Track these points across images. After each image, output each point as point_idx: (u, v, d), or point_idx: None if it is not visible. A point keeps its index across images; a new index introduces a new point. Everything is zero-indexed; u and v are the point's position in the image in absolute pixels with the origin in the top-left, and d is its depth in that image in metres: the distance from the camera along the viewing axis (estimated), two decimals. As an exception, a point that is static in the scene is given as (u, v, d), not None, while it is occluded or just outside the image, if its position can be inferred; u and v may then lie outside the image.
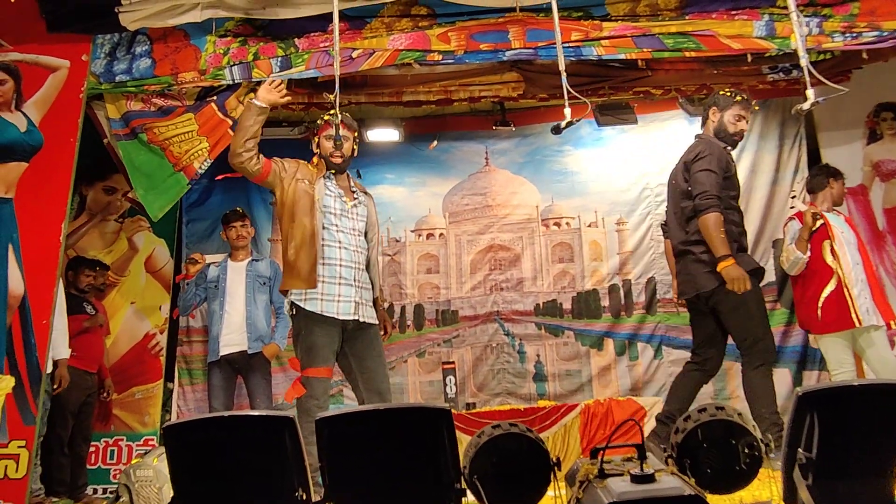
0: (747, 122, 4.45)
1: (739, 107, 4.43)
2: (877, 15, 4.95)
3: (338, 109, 3.98)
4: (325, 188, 4.16)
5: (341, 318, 3.98)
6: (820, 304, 4.74)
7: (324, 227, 4.06)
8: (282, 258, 4.10)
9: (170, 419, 6.18)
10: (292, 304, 4.00)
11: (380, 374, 4.11)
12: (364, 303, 4.10)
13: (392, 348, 6.83)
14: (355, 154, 4.33)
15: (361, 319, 4.05)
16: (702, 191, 4.20)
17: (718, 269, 4.06)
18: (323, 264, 4.01)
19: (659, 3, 5.05)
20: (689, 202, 4.31)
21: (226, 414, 2.59)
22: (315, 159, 4.28)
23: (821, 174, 5.14)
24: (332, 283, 4.01)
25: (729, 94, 4.53)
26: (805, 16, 4.82)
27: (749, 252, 4.60)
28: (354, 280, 4.07)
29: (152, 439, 5.99)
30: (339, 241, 4.09)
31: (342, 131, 4.07)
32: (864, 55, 5.36)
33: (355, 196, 4.28)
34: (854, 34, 4.98)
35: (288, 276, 4.02)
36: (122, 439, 6.05)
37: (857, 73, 5.92)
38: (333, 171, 4.24)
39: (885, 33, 4.98)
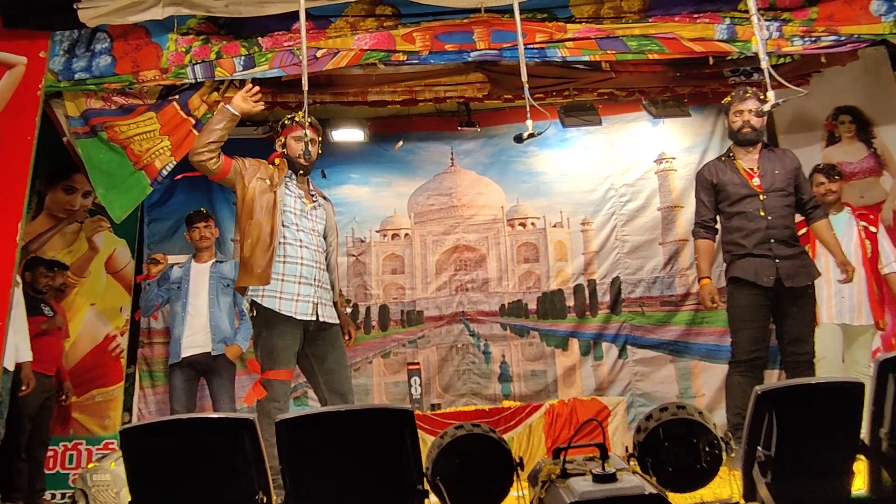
0: (752, 111, 4.45)
1: (735, 102, 4.52)
2: (834, 20, 5.03)
3: (306, 111, 3.97)
4: (286, 188, 4.15)
5: (299, 317, 3.95)
6: None
7: (284, 226, 4.04)
8: (241, 256, 4.06)
9: (130, 421, 6.09)
10: (252, 302, 3.97)
11: (342, 376, 4.10)
12: (324, 303, 4.08)
13: (357, 349, 6.79)
14: (318, 156, 4.33)
15: (321, 319, 4.03)
16: (695, 221, 4.66)
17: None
18: (284, 262, 4.00)
19: (622, 5, 5.08)
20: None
21: (184, 417, 2.56)
22: (277, 159, 4.26)
23: (810, 174, 5.20)
24: (292, 282, 3.99)
25: (726, 98, 4.69)
26: (765, 20, 4.89)
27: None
28: (314, 280, 4.06)
29: (112, 443, 5.87)
30: (300, 241, 4.08)
31: (305, 134, 4.02)
32: (823, 59, 5.45)
33: (314, 199, 4.28)
34: (813, 38, 5.06)
35: (243, 272, 4.00)
36: (81, 443, 5.92)
37: (816, 77, 6.03)
38: (300, 172, 4.24)
39: (843, 38, 5.07)
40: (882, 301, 5.00)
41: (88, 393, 6.02)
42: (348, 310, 4.46)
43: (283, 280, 3.97)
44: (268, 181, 4.08)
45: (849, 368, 4.88)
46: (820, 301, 4.76)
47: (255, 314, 3.97)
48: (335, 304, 4.25)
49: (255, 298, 3.96)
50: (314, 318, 4.00)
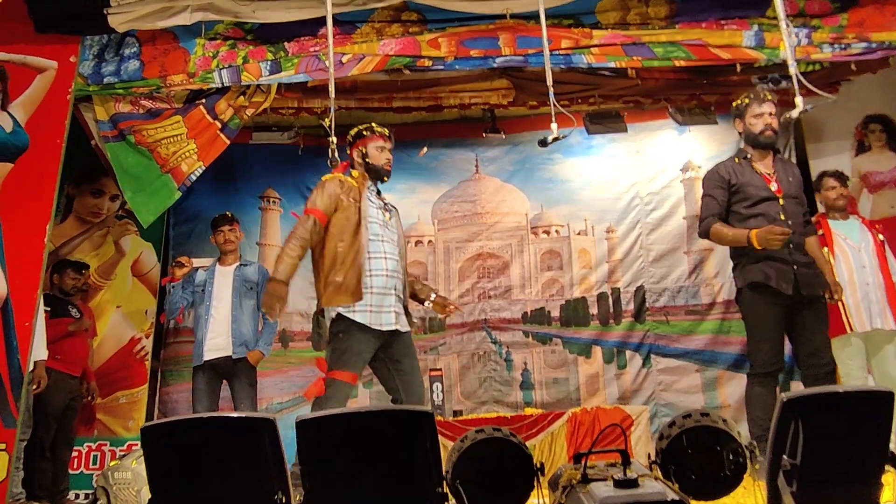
0: (772, 114, 4.36)
1: (755, 105, 4.39)
2: (865, 27, 4.98)
3: (332, 117, 3.98)
4: (369, 200, 4.17)
5: (385, 328, 3.99)
6: None
7: (370, 240, 4.06)
8: (323, 277, 4.02)
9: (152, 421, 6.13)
10: (339, 315, 3.95)
11: (416, 379, 4.14)
12: (400, 312, 4.12)
13: (379, 355, 6.79)
14: None
15: (401, 329, 4.08)
16: (701, 219, 4.44)
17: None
18: (371, 275, 4.00)
19: (649, 12, 5.07)
20: None
21: (204, 415, 2.56)
22: (355, 172, 4.27)
23: (818, 179, 5.13)
24: (381, 294, 4.01)
25: (739, 100, 4.52)
26: (794, 27, 4.85)
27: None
28: (395, 289, 4.09)
29: (136, 444, 5.89)
30: (385, 252, 4.09)
31: (385, 143, 4.25)
32: (853, 67, 5.40)
33: (388, 207, 4.31)
34: (843, 45, 5.02)
35: (334, 293, 3.97)
36: (105, 444, 5.98)
37: (846, 85, 5.95)
38: (382, 181, 4.29)
39: (874, 45, 5.02)
40: None
41: (113, 394, 6.08)
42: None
43: (372, 293, 3.98)
44: (352, 198, 4.09)
45: (880, 381, 4.79)
46: (848, 309, 4.70)
47: (335, 317, 3.96)
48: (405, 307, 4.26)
49: (343, 313, 3.94)
50: (396, 328, 4.04)
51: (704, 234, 4.37)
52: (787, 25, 4.18)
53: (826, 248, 4.78)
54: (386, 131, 4.29)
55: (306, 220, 4.01)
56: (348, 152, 4.36)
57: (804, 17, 5.05)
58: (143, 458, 2.62)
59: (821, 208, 5.14)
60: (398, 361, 4.08)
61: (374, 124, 4.34)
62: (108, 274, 6.31)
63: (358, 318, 3.93)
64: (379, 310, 3.99)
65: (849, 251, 4.85)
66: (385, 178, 4.28)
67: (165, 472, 2.46)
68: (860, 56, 5.13)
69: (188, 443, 2.43)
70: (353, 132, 4.37)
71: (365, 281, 3.96)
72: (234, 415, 2.71)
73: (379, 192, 4.31)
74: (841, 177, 5.08)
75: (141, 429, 2.49)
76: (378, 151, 4.24)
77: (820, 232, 4.83)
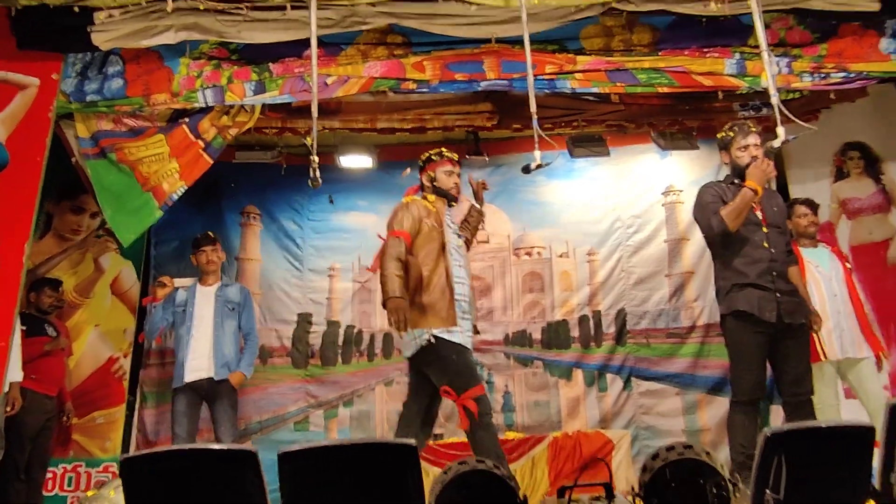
0: (757, 145, 4.36)
1: (739, 137, 4.40)
2: (844, 57, 5.06)
3: (314, 138, 3.96)
4: (448, 225, 4.25)
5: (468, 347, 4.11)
6: None
7: (451, 265, 4.14)
8: (409, 298, 4.02)
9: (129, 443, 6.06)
10: (436, 338, 3.97)
11: None
12: (471, 335, 4.20)
13: (359, 375, 6.78)
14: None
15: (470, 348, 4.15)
16: (706, 227, 4.37)
17: None
18: (456, 300, 4.07)
19: (633, 39, 5.11)
20: None
21: (185, 447, 2.54)
22: (431, 196, 4.37)
23: (789, 206, 5.18)
24: (462, 319, 4.09)
25: (723, 133, 4.53)
26: (775, 55, 4.91)
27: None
28: (469, 313, 4.17)
29: (112, 465, 5.84)
30: (462, 277, 4.18)
31: (453, 168, 4.39)
32: (832, 95, 5.49)
33: (457, 230, 4.38)
34: (822, 75, 5.09)
35: (421, 316, 4.01)
36: (80, 465, 5.88)
37: (826, 113, 6.05)
38: (451, 204, 4.38)
39: (852, 74, 5.09)
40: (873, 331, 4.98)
41: (90, 415, 5.99)
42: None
43: (460, 319, 4.08)
44: (434, 222, 4.18)
45: (865, 401, 4.83)
46: (821, 337, 4.74)
47: (433, 341, 3.97)
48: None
49: (440, 336, 3.98)
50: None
51: (718, 222, 4.20)
52: (769, 55, 4.23)
53: None
54: (455, 156, 4.42)
55: (398, 242, 4.07)
56: (419, 176, 4.51)
57: (785, 46, 5.11)
58: (121, 487, 2.57)
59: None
60: None
61: (443, 149, 4.47)
62: (87, 292, 6.24)
63: (454, 338, 4.01)
64: (463, 332, 4.09)
65: (821, 280, 4.90)
66: (453, 203, 4.38)
67: (145, 503, 2.42)
68: (839, 85, 5.20)
69: (169, 474, 2.39)
70: (423, 157, 4.50)
71: (455, 303, 4.05)
72: (216, 447, 2.67)
73: (452, 219, 4.39)
74: (812, 204, 5.14)
75: (121, 460, 2.46)
76: (446, 176, 4.36)
77: None
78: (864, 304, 5.05)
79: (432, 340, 3.95)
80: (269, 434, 6.41)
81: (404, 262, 4.02)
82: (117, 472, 5.62)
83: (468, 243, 4.60)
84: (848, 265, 5.07)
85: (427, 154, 4.47)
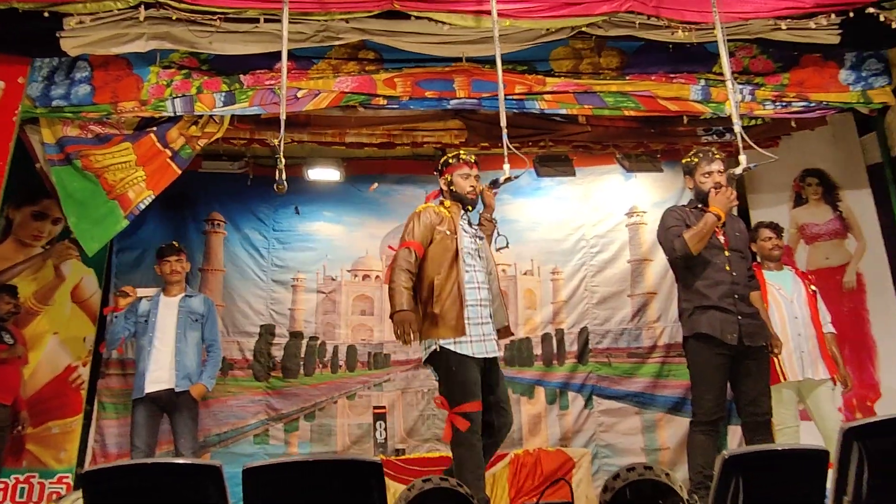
0: (720, 171, 4.43)
1: (704, 164, 4.46)
2: (805, 87, 5.21)
3: (281, 148, 3.95)
4: (463, 230, 4.19)
5: (490, 356, 4.04)
6: None
7: (465, 271, 4.08)
8: (420, 309, 4.05)
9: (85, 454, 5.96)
10: (441, 348, 3.95)
11: (504, 397, 4.14)
12: (495, 339, 4.14)
13: (321, 388, 6.74)
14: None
15: (495, 355, 4.10)
16: (668, 247, 4.41)
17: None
18: (469, 306, 4.02)
19: (601, 62, 5.21)
20: None
21: (149, 461, 2.51)
22: (447, 201, 4.32)
23: (754, 229, 5.27)
24: (478, 325, 4.04)
25: (688, 158, 4.59)
26: (739, 83, 5.04)
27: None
28: (490, 317, 4.13)
29: (67, 477, 5.72)
30: (477, 283, 4.12)
31: (470, 170, 4.28)
32: (793, 123, 5.64)
33: (479, 235, 4.32)
34: (784, 103, 5.24)
35: (431, 326, 3.99)
36: (34, 476, 5.73)
37: (786, 139, 6.22)
38: (468, 209, 4.32)
39: (812, 104, 5.26)
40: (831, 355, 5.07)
41: (45, 424, 5.84)
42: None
43: (470, 324, 4.00)
44: (448, 231, 4.13)
45: (820, 423, 4.92)
46: (780, 359, 4.82)
47: (438, 350, 3.96)
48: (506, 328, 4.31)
49: (446, 346, 3.95)
50: (494, 356, 4.08)
51: (682, 245, 4.26)
52: (733, 82, 4.34)
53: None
54: (472, 158, 4.31)
55: (407, 254, 4.07)
56: (438, 181, 4.43)
57: (748, 74, 5.25)
58: (80, 501, 2.54)
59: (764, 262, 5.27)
60: (495, 386, 4.10)
61: (461, 152, 4.38)
62: (47, 299, 6.12)
63: (461, 350, 3.96)
64: (480, 339, 4.03)
65: (782, 302, 5.00)
66: (470, 207, 4.33)
67: (105, 517, 2.39)
68: (800, 114, 5.37)
69: (131, 489, 2.37)
70: (441, 161, 4.41)
71: (466, 312, 4.00)
72: (181, 461, 2.66)
73: (470, 221, 4.34)
74: (776, 228, 5.23)
75: (82, 473, 2.42)
76: (462, 179, 4.29)
77: None
78: (823, 326, 5.13)
79: (437, 350, 3.96)
80: (228, 447, 6.35)
81: (414, 273, 4.04)
82: (72, 483, 5.57)
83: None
84: (813, 289, 5.16)
85: (444, 157, 4.39)
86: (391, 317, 3.98)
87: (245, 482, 2.37)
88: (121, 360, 6.32)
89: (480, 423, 3.94)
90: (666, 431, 6.67)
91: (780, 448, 2.73)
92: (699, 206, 4.46)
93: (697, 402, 4.28)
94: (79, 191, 4.99)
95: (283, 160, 3.86)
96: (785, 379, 4.85)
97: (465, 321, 3.98)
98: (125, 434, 5.80)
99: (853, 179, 6.37)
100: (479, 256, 4.22)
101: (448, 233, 4.12)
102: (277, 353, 6.77)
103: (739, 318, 4.22)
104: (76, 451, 5.83)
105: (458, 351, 3.96)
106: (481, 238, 4.32)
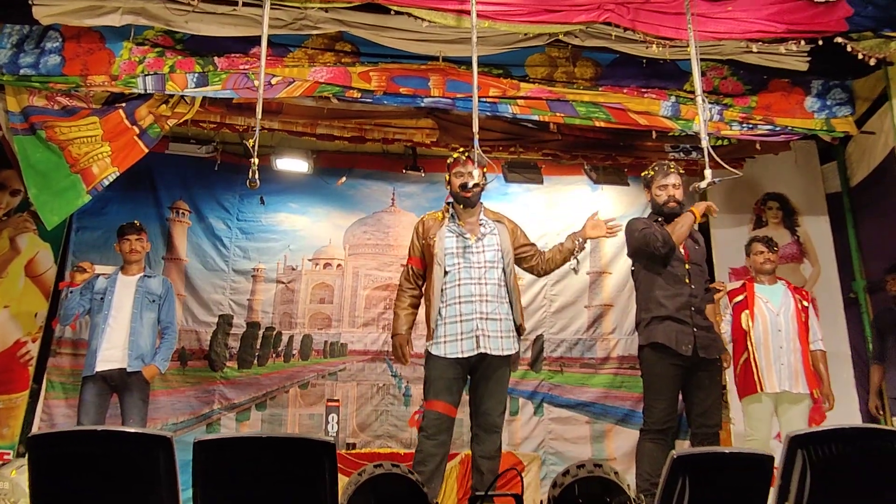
0: (676, 185, 4.50)
1: (659, 176, 4.54)
2: (771, 111, 5.33)
3: (257, 138, 3.95)
4: (446, 232, 4.23)
5: (465, 355, 4.02)
6: (737, 371, 5.00)
7: (445, 272, 4.14)
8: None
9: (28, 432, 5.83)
10: (426, 350, 4.15)
11: (489, 403, 4.10)
12: (489, 335, 4.06)
13: (273, 377, 6.70)
14: (483, 187, 4.38)
15: (486, 352, 4.03)
16: (645, 229, 4.44)
17: None
18: (445, 306, 4.10)
19: (575, 72, 5.28)
20: None
21: (98, 428, 2.48)
22: (447, 205, 4.40)
23: (748, 243, 5.30)
24: (454, 323, 4.07)
25: (646, 171, 4.66)
26: (708, 102, 5.12)
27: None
28: (477, 314, 4.07)
29: (8, 454, 5.58)
30: (460, 279, 4.13)
31: (463, 168, 4.26)
32: (758, 146, 5.75)
33: (482, 228, 4.29)
34: (750, 125, 5.35)
35: (428, 333, 4.17)
36: (-26, 450, 5.64)
37: (750, 162, 6.32)
38: (462, 207, 4.31)
39: (778, 128, 5.38)
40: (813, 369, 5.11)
41: (-10, 399, 5.74)
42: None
43: (445, 323, 4.07)
44: (432, 237, 4.24)
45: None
46: (760, 369, 4.86)
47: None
48: (518, 327, 4.23)
49: (427, 348, 4.14)
50: (480, 352, 4.02)
51: (666, 237, 4.33)
52: (703, 100, 4.42)
53: (746, 311, 4.99)
54: (464, 156, 4.31)
55: (406, 272, 4.36)
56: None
57: (718, 94, 5.36)
58: (24, 468, 2.50)
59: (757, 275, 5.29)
60: (483, 394, 4.10)
61: (461, 149, 4.45)
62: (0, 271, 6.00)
63: (434, 350, 4.08)
64: (455, 338, 4.05)
65: (767, 314, 5.00)
66: (464, 205, 4.31)
67: (50, 485, 2.35)
68: (765, 137, 5.49)
69: (78, 456, 2.33)
70: (448, 161, 4.44)
71: (436, 314, 4.10)
72: (131, 430, 2.62)
73: (480, 213, 4.35)
74: (769, 243, 5.21)
75: (27, 437, 2.38)
76: (457, 178, 4.31)
77: (742, 296, 5.06)
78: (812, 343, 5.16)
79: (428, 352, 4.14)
80: (181, 436, 6.26)
81: (417, 286, 4.31)
82: (13, 458, 5.45)
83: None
84: (805, 304, 5.19)
85: (450, 158, 4.41)
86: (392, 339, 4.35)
87: (195, 456, 2.36)
88: (73, 340, 6.23)
89: (441, 424, 4.01)
90: (614, 442, 6.74)
91: (726, 451, 2.77)
92: (658, 219, 4.53)
93: (649, 410, 4.34)
94: (41, 162, 4.91)
95: (256, 156, 3.90)
96: (762, 389, 4.84)
97: (438, 321, 4.09)
98: (73, 415, 5.68)
99: (812, 206, 6.53)
100: (471, 252, 4.20)
101: (432, 237, 4.22)
102: (234, 344, 6.72)
103: (695, 329, 4.29)
104: (20, 428, 5.71)
105: (432, 351, 4.10)
106: (484, 237, 4.27)
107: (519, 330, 4.24)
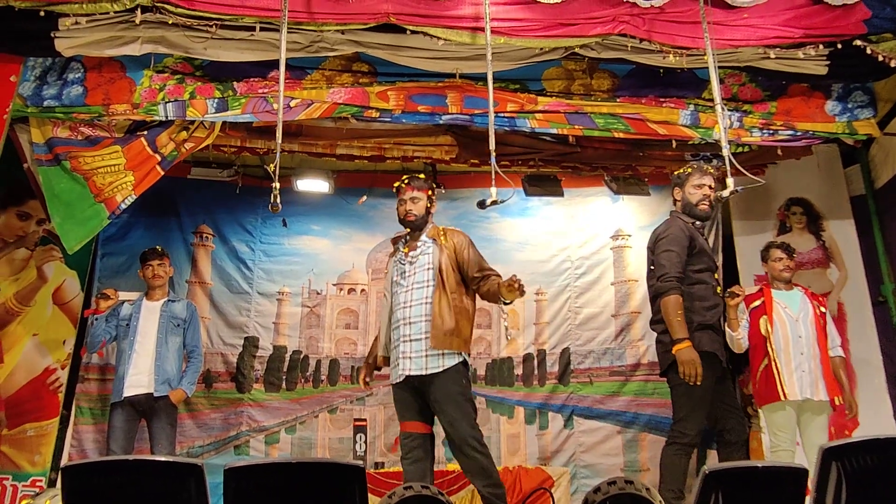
0: (711, 186, 4.47)
1: (696, 176, 4.51)
2: (792, 115, 5.28)
3: (278, 162, 3.97)
4: (393, 260, 4.37)
5: (401, 380, 4.09)
6: (757, 378, 4.90)
7: (394, 298, 4.25)
8: None
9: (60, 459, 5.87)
10: None
11: (443, 423, 4.06)
12: (412, 356, 4.07)
13: (304, 402, 6.72)
14: (431, 211, 4.44)
15: (409, 374, 4.05)
16: (662, 273, 4.30)
17: (674, 350, 4.12)
18: (393, 329, 4.20)
19: (592, 84, 5.26)
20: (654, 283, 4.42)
21: (129, 458, 2.49)
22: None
23: (765, 249, 5.24)
24: (395, 347, 4.16)
25: (682, 169, 4.63)
26: (727, 110, 5.09)
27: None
28: (402, 337, 4.13)
29: (41, 480, 5.62)
30: (401, 303, 4.20)
31: (412, 193, 4.30)
32: (779, 151, 5.70)
33: (419, 248, 4.29)
34: (771, 131, 5.31)
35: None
36: (7, 478, 5.64)
37: (772, 168, 6.27)
38: (410, 231, 4.39)
39: (799, 133, 5.33)
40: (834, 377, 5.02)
41: (21, 426, 5.75)
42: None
43: (394, 347, 4.17)
44: (388, 268, 4.43)
45: (809, 452, 4.85)
46: (781, 376, 4.79)
47: None
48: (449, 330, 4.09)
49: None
50: (410, 374, 4.06)
51: (664, 292, 4.21)
52: (722, 108, 4.39)
53: (765, 317, 4.91)
54: (404, 182, 4.36)
55: (383, 303, 4.39)
56: None
57: (737, 101, 5.32)
58: (57, 498, 2.52)
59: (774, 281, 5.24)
60: (436, 402, 4.05)
61: (404, 178, 4.44)
62: (28, 300, 6.05)
63: (393, 376, 4.18)
64: (394, 364, 4.15)
65: (787, 320, 4.94)
66: (410, 230, 4.38)
67: (83, 514, 2.37)
68: (786, 142, 5.43)
69: (110, 486, 2.35)
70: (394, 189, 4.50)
71: (386, 341, 4.24)
72: (161, 459, 2.63)
73: (423, 234, 4.35)
74: (787, 249, 5.15)
75: (61, 468, 2.40)
76: (400, 205, 4.38)
77: (759, 301, 4.99)
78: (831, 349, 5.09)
79: None
80: (209, 458, 6.29)
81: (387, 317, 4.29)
82: (45, 485, 5.48)
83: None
84: (822, 310, 5.12)
85: (394, 186, 4.48)
86: None
87: (226, 482, 2.36)
88: (100, 366, 6.28)
89: (411, 442, 4.10)
90: (647, 451, 6.66)
91: (759, 465, 2.74)
92: (693, 222, 4.48)
93: (687, 422, 4.19)
94: (65, 192, 4.97)
95: (278, 177, 3.92)
96: (785, 397, 4.76)
97: (389, 348, 4.23)
98: (102, 440, 5.77)
99: (837, 210, 6.44)
100: (405, 277, 4.26)
101: (387, 268, 4.40)
102: (260, 367, 6.74)
103: (723, 339, 4.26)
104: (51, 455, 5.74)
105: (392, 379, 4.21)
106: (418, 256, 4.27)
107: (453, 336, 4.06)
